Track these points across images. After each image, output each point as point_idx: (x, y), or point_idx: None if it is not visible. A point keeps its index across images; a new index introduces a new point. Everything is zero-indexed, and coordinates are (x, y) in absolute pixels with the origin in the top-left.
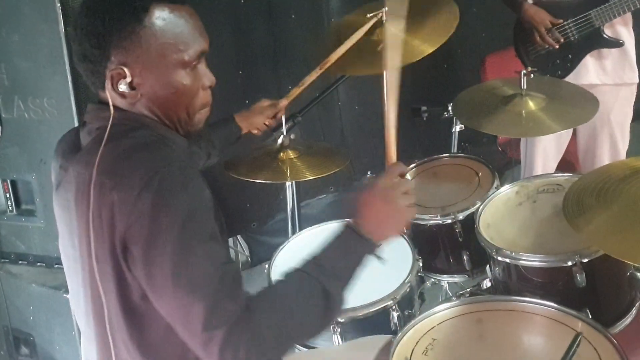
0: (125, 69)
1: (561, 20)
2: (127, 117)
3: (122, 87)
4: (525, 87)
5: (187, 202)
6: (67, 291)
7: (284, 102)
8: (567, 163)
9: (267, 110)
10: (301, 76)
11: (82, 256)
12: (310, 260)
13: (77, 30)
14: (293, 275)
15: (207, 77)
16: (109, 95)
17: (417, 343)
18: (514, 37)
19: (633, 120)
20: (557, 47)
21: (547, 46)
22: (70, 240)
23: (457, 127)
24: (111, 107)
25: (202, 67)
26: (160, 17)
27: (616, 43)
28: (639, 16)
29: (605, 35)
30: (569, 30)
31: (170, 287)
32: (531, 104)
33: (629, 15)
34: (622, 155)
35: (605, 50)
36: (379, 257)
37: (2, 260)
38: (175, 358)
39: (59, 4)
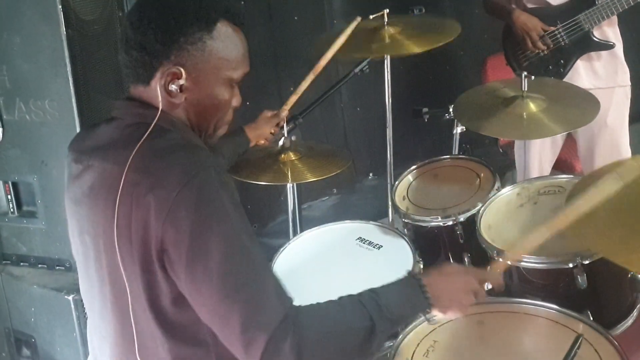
0: (183, 71)
1: (552, 28)
2: (164, 118)
3: (173, 87)
4: (526, 89)
5: (228, 203)
6: (68, 293)
7: (285, 111)
8: (566, 164)
9: (271, 120)
10: (302, 78)
11: (98, 252)
12: (369, 292)
13: (142, 20)
14: (348, 300)
15: (237, 98)
16: (158, 91)
17: (418, 345)
18: (504, 45)
19: (636, 122)
20: (546, 51)
21: (537, 51)
22: (80, 236)
23: (459, 129)
24: (160, 104)
25: (236, 87)
26: (226, 33)
27: (607, 45)
28: (624, 17)
29: (595, 38)
30: (559, 36)
31: (214, 286)
32: (532, 106)
33: (614, 17)
34: (627, 157)
35: (595, 54)
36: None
37: (4, 262)
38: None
39: (60, 6)
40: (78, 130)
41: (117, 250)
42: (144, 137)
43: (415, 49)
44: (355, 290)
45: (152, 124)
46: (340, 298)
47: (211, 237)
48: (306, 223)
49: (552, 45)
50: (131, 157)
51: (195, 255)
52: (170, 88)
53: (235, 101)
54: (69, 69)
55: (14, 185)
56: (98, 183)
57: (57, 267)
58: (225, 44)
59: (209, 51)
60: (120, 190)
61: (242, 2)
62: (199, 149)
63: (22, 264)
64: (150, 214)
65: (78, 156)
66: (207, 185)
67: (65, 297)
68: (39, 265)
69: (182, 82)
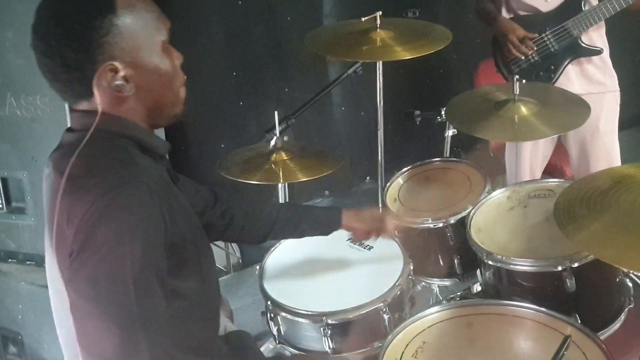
0: (116, 63)
1: (535, 34)
2: (111, 122)
3: (118, 82)
4: (517, 92)
5: (130, 226)
6: None
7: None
8: (556, 169)
9: (379, 218)
10: (297, 77)
11: (51, 254)
12: None
13: (49, 42)
14: None
15: (176, 55)
16: (98, 97)
17: (407, 346)
18: (494, 53)
19: (625, 128)
20: (535, 56)
21: (523, 57)
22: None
23: (450, 132)
24: (99, 108)
25: (170, 46)
26: (128, 3)
27: (595, 51)
28: (611, 23)
29: (583, 44)
30: (548, 42)
31: (86, 307)
32: (523, 109)
33: (602, 23)
34: (618, 162)
35: (585, 60)
36: None
37: None
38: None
39: None
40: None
41: (54, 255)
42: (80, 147)
43: (406, 55)
44: (346, 291)
45: (89, 132)
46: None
47: (92, 255)
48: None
49: (535, 48)
50: (67, 168)
51: (74, 268)
52: (116, 84)
53: (177, 58)
54: None
55: (4, 180)
56: (47, 188)
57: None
58: (135, 13)
59: (125, 30)
60: (58, 200)
61: (240, 2)
62: (131, 164)
63: (10, 260)
64: (68, 222)
65: (49, 160)
66: (114, 205)
67: None
68: (27, 262)
69: (122, 72)
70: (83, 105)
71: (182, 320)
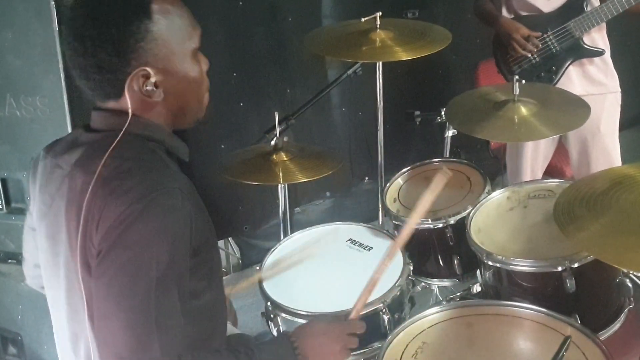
0: (149, 69)
1: (539, 33)
2: (138, 124)
3: (149, 87)
4: (517, 93)
5: (161, 231)
6: None
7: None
8: (556, 169)
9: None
10: (297, 78)
11: (65, 256)
12: (245, 349)
13: (84, 42)
14: (226, 353)
15: (204, 62)
16: (129, 100)
17: (406, 346)
18: (494, 53)
19: (625, 129)
20: (537, 56)
21: (528, 56)
22: (48, 239)
23: (450, 132)
24: (129, 112)
25: (199, 52)
26: (164, 10)
27: (597, 52)
28: (611, 23)
29: (585, 45)
30: (550, 43)
31: (107, 305)
32: (523, 110)
33: (603, 24)
34: (618, 163)
35: (587, 61)
36: None
37: None
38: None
39: (52, 2)
40: (69, 126)
41: (78, 256)
42: (111, 148)
43: (405, 56)
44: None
45: (121, 133)
46: (220, 351)
47: (119, 258)
48: (299, 226)
49: (540, 46)
50: (99, 168)
51: (103, 267)
52: (147, 90)
53: (205, 64)
54: (60, 65)
55: (3, 181)
56: (67, 189)
57: None
58: (170, 20)
59: (159, 36)
60: (86, 200)
61: (241, 3)
62: (164, 167)
63: (9, 261)
64: (99, 226)
65: (50, 160)
66: (155, 207)
67: None
68: None
69: (153, 79)
70: (110, 105)
71: (195, 320)
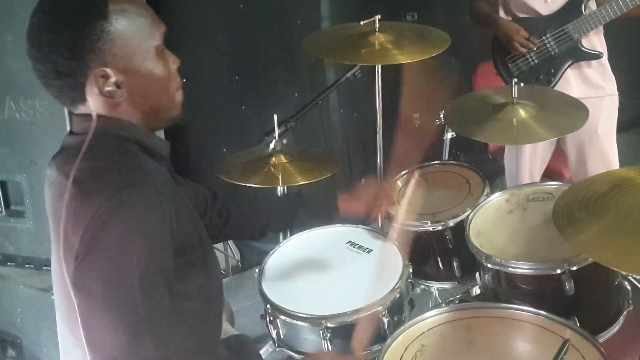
0: (107, 69)
1: (536, 36)
2: (110, 125)
3: (109, 88)
4: (516, 95)
5: (137, 228)
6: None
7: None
8: (555, 172)
9: (367, 194)
10: (299, 82)
11: (57, 261)
12: None
13: (41, 48)
14: None
15: (173, 59)
16: (91, 103)
17: (406, 349)
18: (493, 56)
19: (623, 131)
20: (536, 59)
21: (526, 55)
22: (52, 244)
23: (449, 135)
24: (94, 115)
25: (166, 50)
26: (121, 9)
27: (596, 55)
28: (608, 26)
29: (584, 48)
30: (548, 45)
31: (92, 308)
32: (522, 113)
33: (601, 27)
34: (616, 166)
35: (585, 64)
36: None
37: None
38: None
39: None
40: (68, 129)
41: (62, 258)
42: (83, 150)
43: (405, 59)
44: (345, 294)
45: (88, 135)
46: None
47: (99, 257)
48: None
49: (538, 44)
50: (72, 171)
51: (82, 270)
52: (107, 90)
53: (173, 62)
54: None
55: (3, 184)
56: (53, 191)
57: (45, 267)
58: (128, 19)
59: (117, 36)
60: (65, 204)
61: (242, 6)
62: (137, 167)
63: (9, 263)
64: (75, 226)
65: (50, 165)
66: (126, 205)
67: (52, 297)
68: (26, 265)
69: (113, 79)
70: (80, 109)
71: (187, 321)
